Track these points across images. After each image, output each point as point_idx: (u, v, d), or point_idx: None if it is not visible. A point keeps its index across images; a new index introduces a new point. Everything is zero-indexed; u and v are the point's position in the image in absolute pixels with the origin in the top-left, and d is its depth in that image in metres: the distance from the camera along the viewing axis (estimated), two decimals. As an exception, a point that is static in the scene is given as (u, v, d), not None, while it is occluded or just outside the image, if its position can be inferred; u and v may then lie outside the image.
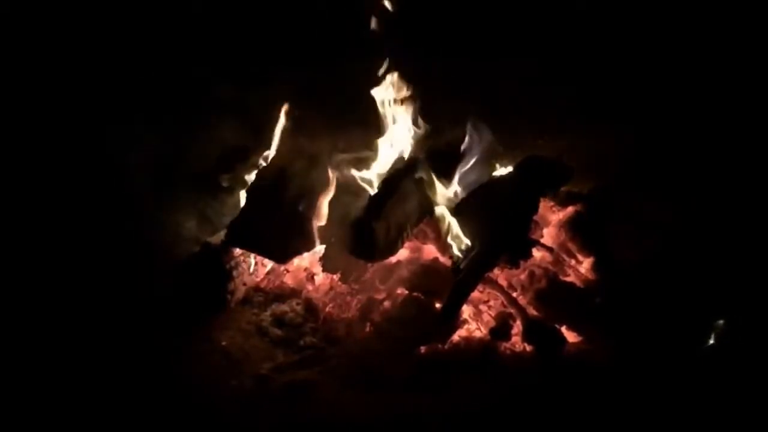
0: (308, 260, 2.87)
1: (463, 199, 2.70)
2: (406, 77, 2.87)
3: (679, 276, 2.59)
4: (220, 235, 2.75)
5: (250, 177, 2.94)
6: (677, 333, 2.41)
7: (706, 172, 3.19)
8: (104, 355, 2.38)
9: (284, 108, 2.93)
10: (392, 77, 2.85)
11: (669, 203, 2.90)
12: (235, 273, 2.69)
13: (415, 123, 2.94)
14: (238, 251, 2.73)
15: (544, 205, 2.89)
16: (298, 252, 2.72)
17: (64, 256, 2.86)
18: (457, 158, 2.82)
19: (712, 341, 2.39)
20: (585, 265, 2.72)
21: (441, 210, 2.69)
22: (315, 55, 3.23)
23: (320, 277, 2.81)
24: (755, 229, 2.77)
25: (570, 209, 2.85)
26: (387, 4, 2.95)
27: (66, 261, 2.83)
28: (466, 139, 2.76)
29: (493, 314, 2.57)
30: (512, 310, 2.55)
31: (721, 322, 2.39)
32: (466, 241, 2.60)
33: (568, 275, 2.70)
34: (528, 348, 2.46)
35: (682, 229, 2.78)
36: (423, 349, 2.44)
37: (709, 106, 3.47)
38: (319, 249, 2.79)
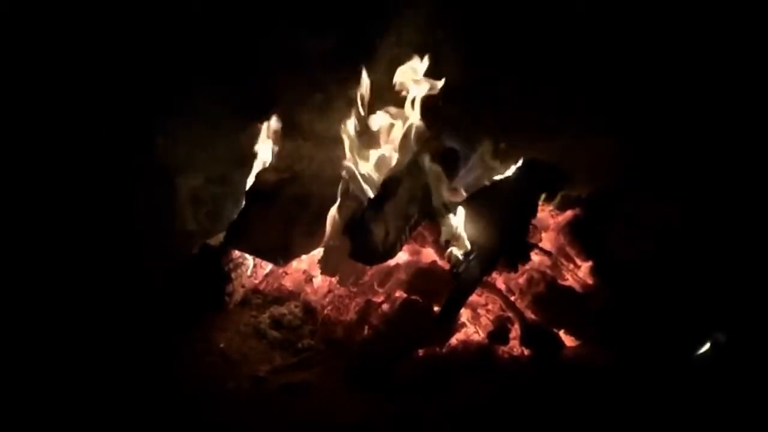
0: (307, 263, 2.87)
1: (462, 202, 2.70)
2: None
3: (678, 280, 2.59)
4: (219, 237, 2.76)
5: (250, 179, 2.94)
6: (676, 337, 2.41)
7: (705, 174, 3.19)
8: (102, 355, 2.38)
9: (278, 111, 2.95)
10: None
11: (668, 206, 2.90)
12: (233, 275, 2.69)
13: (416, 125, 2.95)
14: (237, 253, 2.73)
15: (543, 209, 2.90)
16: (297, 254, 2.72)
17: (62, 254, 2.86)
18: (457, 161, 2.83)
19: (709, 348, 2.39)
20: (583, 269, 2.73)
21: (440, 213, 2.69)
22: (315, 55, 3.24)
23: (319, 280, 2.81)
24: (755, 231, 2.77)
25: (569, 213, 2.86)
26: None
27: (64, 259, 2.83)
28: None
29: (491, 318, 2.57)
30: (510, 314, 2.55)
31: (720, 335, 2.39)
32: (465, 245, 2.60)
33: (567, 279, 2.70)
34: (526, 352, 2.46)
35: (681, 233, 2.79)
36: (421, 352, 2.44)
37: (708, 108, 3.48)
38: (318, 251, 2.79)
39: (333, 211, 2.71)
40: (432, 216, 2.65)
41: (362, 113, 2.85)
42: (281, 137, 2.96)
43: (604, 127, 3.54)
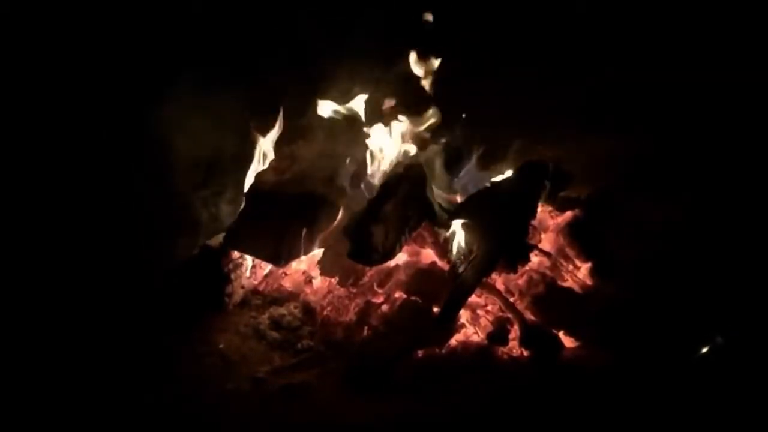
0: (306, 263, 2.87)
1: (461, 203, 2.70)
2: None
3: (678, 280, 2.59)
4: (219, 238, 2.76)
5: (250, 180, 2.95)
6: (675, 338, 2.42)
7: (705, 174, 3.20)
8: (102, 356, 2.38)
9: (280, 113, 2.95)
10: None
11: (668, 207, 2.91)
12: (233, 276, 2.69)
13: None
14: (236, 254, 2.73)
15: (543, 210, 2.90)
16: (297, 255, 2.73)
17: (63, 255, 2.86)
18: (456, 162, 2.83)
19: (708, 350, 2.39)
20: (583, 270, 2.73)
21: (440, 214, 2.69)
22: (312, 58, 3.24)
23: (318, 281, 2.81)
24: (755, 232, 2.77)
25: (568, 214, 2.86)
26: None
27: (64, 259, 2.83)
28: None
29: (490, 319, 2.57)
30: (510, 315, 2.55)
31: (719, 338, 2.38)
32: (465, 246, 2.60)
33: (566, 280, 2.70)
34: (525, 353, 2.46)
35: (681, 234, 2.79)
36: (420, 353, 2.44)
37: (707, 110, 3.49)
38: (318, 252, 2.79)
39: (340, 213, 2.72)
40: (431, 217, 2.66)
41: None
42: (281, 138, 2.97)
43: (603, 128, 3.55)
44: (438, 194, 2.74)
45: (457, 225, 2.61)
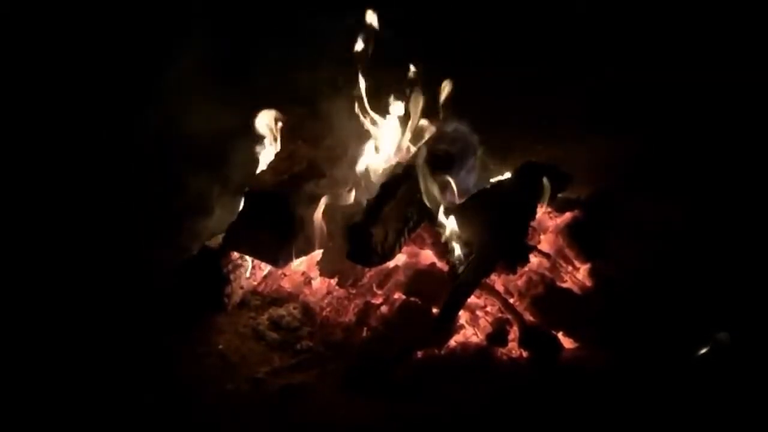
0: (306, 264, 2.87)
1: (461, 204, 2.70)
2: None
3: (677, 281, 2.59)
4: (218, 238, 2.76)
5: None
6: (675, 339, 2.41)
7: (705, 174, 3.20)
8: (102, 356, 2.38)
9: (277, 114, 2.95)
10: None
11: (668, 207, 2.91)
12: (232, 276, 2.69)
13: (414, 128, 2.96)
14: (235, 254, 2.74)
15: (542, 211, 2.90)
16: (296, 256, 2.73)
17: (63, 255, 2.86)
18: (456, 163, 2.83)
19: (710, 349, 2.38)
20: (582, 271, 2.73)
21: (439, 215, 2.69)
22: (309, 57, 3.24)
23: (317, 281, 2.81)
24: (755, 232, 2.77)
25: (567, 215, 2.86)
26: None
27: (65, 259, 2.84)
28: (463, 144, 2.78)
29: (489, 320, 2.57)
30: (509, 316, 2.55)
31: (723, 336, 2.38)
32: (464, 246, 2.60)
33: (565, 281, 2.70)
34: (525, 354, 2.46)
35: (681, 234, 2.79)
36: (420, 353, 2.44)
37: (706, 110, 3.48)
38: (317, 253, 2.79)
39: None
40: (431, 218, 2.66)
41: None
42: (281, 138, 2.97)
43: (603, 128, 3.55)
44: (439, 195, 2.73)
45: (456, 226, 2.61)
